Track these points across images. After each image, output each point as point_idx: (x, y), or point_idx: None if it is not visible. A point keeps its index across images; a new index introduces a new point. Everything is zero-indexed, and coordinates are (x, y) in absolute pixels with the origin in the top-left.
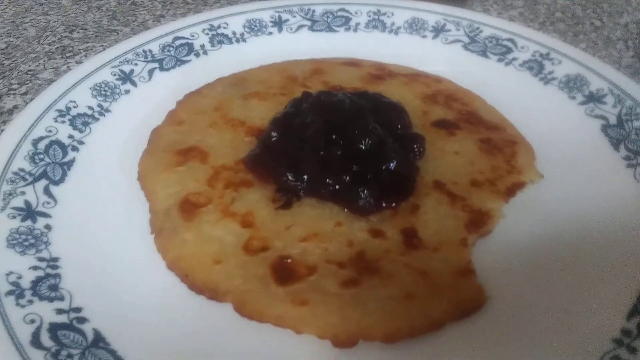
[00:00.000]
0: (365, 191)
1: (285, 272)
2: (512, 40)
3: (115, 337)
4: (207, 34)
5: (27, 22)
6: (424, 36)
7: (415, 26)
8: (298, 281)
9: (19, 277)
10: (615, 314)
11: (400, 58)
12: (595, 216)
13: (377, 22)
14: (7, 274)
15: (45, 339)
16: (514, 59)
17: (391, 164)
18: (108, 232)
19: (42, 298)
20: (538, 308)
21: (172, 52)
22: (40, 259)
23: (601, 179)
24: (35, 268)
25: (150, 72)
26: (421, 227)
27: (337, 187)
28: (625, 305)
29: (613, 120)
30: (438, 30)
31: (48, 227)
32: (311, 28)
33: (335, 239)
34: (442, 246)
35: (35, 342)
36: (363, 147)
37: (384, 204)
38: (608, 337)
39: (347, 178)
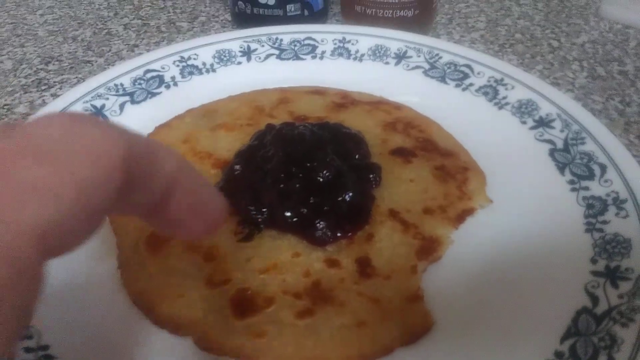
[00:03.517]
0: (322, 222)
1: (244, 305)
2: (469, 66)
3: None
4: (178, 65)
5: (4, 55)
6: (387, 63)
7: (378, 53)
8: (256, 314)
9: None
10: (551, 336)
11: (364, 84)
12: (539, 240)
13: (342, 50)
14: None
15: None
16: (471, 84)
17: (347, 195)
18: (77, 268)
19: None
20: (481, 331)
21: (143, 85)
22: None
23: (546, 203)
24: None
25: (122, 106)
26: (375, 256)
27: (295, 219)
28: (561, 327)
29: (560, 144)
30: (400, 57)
31: None
32: (279, 57)
33: (293, 270)
34: (393, 274)
35: None
36: (321, 179)
37: (339, 234)
38: (542, 358)
39: (305, 210)
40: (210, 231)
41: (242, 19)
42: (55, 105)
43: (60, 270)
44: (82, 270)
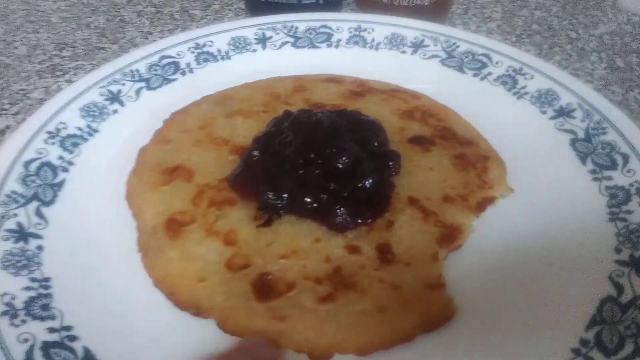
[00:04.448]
0: (342, 209)
1: (265, 289)
2: (487, 56)
3: (104, 353)
4: (193, 52)
5: (17, 41)
6: (403, 52)
7: (394, 42)
8: (277, 297)
9: (13, 298)
10: (575, 324)
11: (380, 73)
12: (561, 229)
13: (358, 38)
14: (2, 295)
15: (38, 357)
16: (489, 73)
17: (367, 182)
18: (97, 251)
19: (34, 318)
20: (504, 319)
21: (159, 71)
22: (33, 280)
23: (568, 193)
24: (28, 289)
25: (138, 92)
26: (395, 243)
27: (315, 205)
28: (585, 315)
29: (581, 134)
30: (417, 46)
31: (40, 247)
32: (294, 45)
33: (313, 256)
34: (414, 261)
35: None
36: (340, 166)
37: (359, 221)
38: (567, 346)
39: (325, 196)
40: None
41: (256, 7)
42: (71, 91)
43: (83, 254)
44: (104, 253)
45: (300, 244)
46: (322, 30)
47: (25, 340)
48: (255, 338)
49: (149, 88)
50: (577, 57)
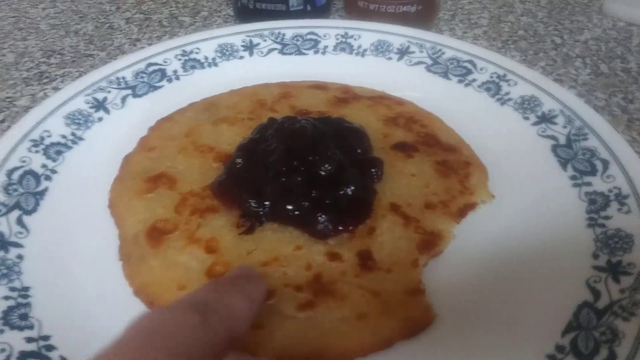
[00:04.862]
0: (324, 216)
1: None
2: (472, 62)
3: None
4: (180, 59)
5: (5, 48)
6: (389, 58)
7: (380, 48)
8: None
9: None
10: (552, 330)
11: (366, 79)
12: (540, 235)
13: (344, 45)
14: None
15: None
16: (474, 80)
17: (349, 189)
18: (78, 260)
19: (12, 327)
20: (482, 325)
21: (145, 79)
22: (12, 289)
23: (548, 199)
24: (7, 298)
25: (124, 99)
26: (376, 249)
27: (297, 212)
28: (562, 321)
29: (562, 140)
30: (403, 53)
31: (20, 257)
32: (281, 51)
33: (294, 263)
34: (394, 267)
35: None
36: (323, 173)
37: (341, 228)
38: (543, 352)
39: (307, 203)
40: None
41: (245, 14)
42: (56, 99)
43: (64, 262)
44: (85, 262)
45: (282, 251)
46: (309, 37)
47: (2, 350)
48: (246, 270)
49: (135, 95)
50: (562, 63)
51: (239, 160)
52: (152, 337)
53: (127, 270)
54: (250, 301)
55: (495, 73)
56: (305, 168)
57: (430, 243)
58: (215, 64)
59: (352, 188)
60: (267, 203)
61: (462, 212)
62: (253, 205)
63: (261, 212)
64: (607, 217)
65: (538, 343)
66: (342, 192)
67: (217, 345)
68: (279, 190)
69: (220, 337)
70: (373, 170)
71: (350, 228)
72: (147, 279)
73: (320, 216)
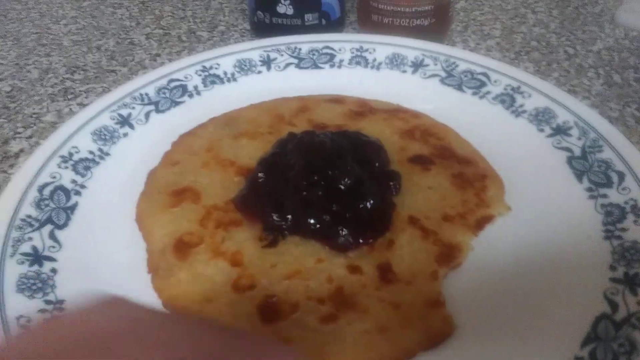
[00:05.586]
0: (344, 229)
1: (270, 311)
2: (485, 75)
3: None
4: (200, 75)
5: (30, 65)
6: (404, 71)
7: (395, 62)
8: (282, 319)
9: (28, 321)
10: (571, 341)
11: (381, 92)
12: (557, 247)
13: (359, 59)
14: (18, 318)
15: None
16: (488, 92)
17: (368, 202)
18: (109, 273)
19: None
20: (501, 336)
21: (167, 94)
22: (47, 302)
23: (564, 211)
24: (42, 311)
25: (147, 115)
26: (395, 262)
27: (318, 225)
28: (580, 332)
29: (577, 152)
30: (417, 66)
31: (54, 270)
32: (298, 66)
33: (316, 276)
34: (414, 279)
35: None
36: (342, 187)
37: (361, 241)
38: None
39: (328, 217)
40: None
41: (261, 29)
42: (83, 116)
43: (95, 273)
44: (116, 274)
45: (304, 264)
46: (325, 51)
47: None
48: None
49: (158, 111)
50: (575, 74)
51: (260, 175)
52: None
53: (156, 283)
54: None
55: (510, 85)
56: (325, 182)
57: (449, 255)
58: (235, 79)
59: (371, 201)
60: (289, 217)
61: (479, 224)
62: (275, 218)
63: (284, 226)
64: (623, 230)
65: (557, 354)
66: (361, 206)
67: None
68: (300, 204)
69: None
70: (391, 183)
71: (370, 241)
72: (175, 292)
73: (341, 229)
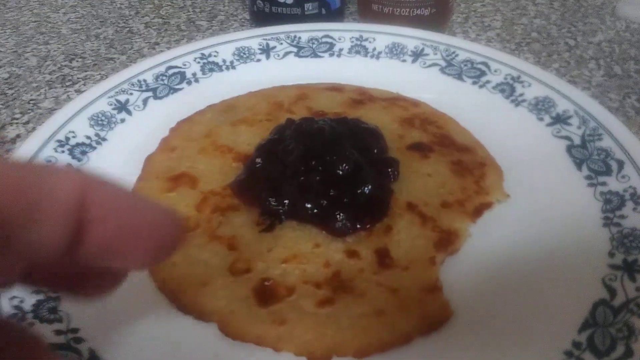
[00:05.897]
0: (342, 214)
1: (266, 294)
2: (485, 64)
3: (109, 355)
4: (199, 62)
5: (28, 52)
6: (404, 60)
7: (395, 51)
8: (278, 302)
9: (22, 301)
10: (569, 327)
11: (381, 81)
12: (556, 234)
13: (359, 48)
14: (11, 298)
15: None
16: (488, 81)
17: (366, 188)
18: None
19: (42, 320)
20: (499, 321)
21: (166, 81)
22: None
23: (564, 198)
24: (37, 292)
25: (145, 101)
26: (393, 247)
27: (315, 210)
28: (578, 318)
29: (577, 140)
30: (417, 55)
31: None
32: (297, 54)
33: (313, 260)
34: (412, 265)
35: None
36: (340, 173)
37: (358, 226)
38: (560, 349)
39: (325, 202)
40: (165, 253)
41: (261, 18)
42: (81, 101)
43: None
44: None
45: (301, 249)
46: (325, 40)
47: None
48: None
49: (156, 97)
50: (575, 65)
51: (258, 160)
52: None
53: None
54: None
55: (510, 74)
56: (323, 168)
57: (446, 241)
58: (233, 67)
59: (369, 187)
60: (286, 201)
61: (478, 211)
62: (272, 203)
63: (280, 210)
64: (622, 217)
65: (555, 339)
66: (359, 192)
67: None
68: (297, 189)
69: None
70: (389, 169)
71: (368, 226)
72: (170, 276)
73: (339, 214)
